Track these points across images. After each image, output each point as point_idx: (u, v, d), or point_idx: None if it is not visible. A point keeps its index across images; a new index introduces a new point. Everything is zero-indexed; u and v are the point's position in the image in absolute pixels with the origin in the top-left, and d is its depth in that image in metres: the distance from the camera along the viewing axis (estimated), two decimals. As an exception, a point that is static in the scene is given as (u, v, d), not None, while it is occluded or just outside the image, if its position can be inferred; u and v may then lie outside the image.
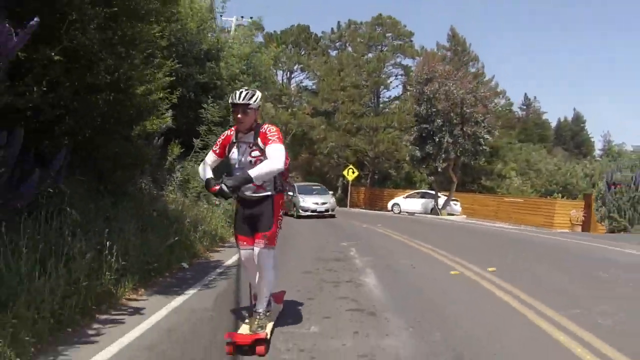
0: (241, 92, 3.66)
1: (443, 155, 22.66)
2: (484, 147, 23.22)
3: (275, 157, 3.48)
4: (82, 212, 4.97)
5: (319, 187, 22.45)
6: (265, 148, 3.57)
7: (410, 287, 5.78)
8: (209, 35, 13.63)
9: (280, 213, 3.90)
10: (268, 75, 20.10)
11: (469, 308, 4.76)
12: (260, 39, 38.08)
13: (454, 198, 25.70)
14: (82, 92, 4.59)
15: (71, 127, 4.74)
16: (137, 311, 4.53)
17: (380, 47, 39.74)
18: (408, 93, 29.54)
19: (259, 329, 3.57)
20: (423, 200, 26.21)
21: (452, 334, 3.88)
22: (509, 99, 55.64)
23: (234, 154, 3.75)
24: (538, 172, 41.84)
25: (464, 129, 22.47)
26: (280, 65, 42.91)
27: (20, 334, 3.26)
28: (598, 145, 60.03)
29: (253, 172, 3.44)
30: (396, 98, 40.37)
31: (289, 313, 4.45)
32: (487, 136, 22.79)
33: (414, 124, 24.70)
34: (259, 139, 3.64)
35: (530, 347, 3.63)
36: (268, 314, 3.82)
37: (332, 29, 44.91)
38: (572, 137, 61.34)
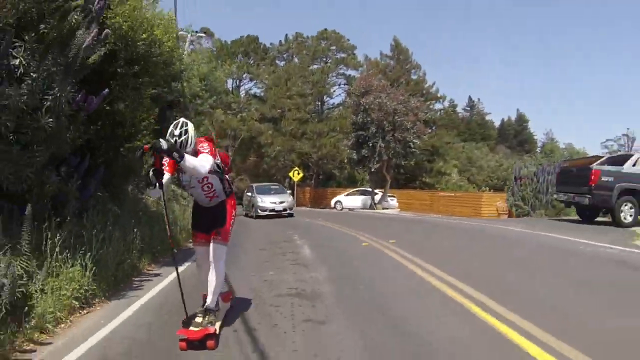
0: (175, 141, 3.66)
1: (377, 158, 25.70)
2: (413, 149, 26.40)
3: (204, 162, 3.74)
4: (109, 211, 7.07)
5: (277, 187, 22.65)
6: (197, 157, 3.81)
7: (332, 252, 8.49)
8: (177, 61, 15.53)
9: (233, 213, 4.29)
10: (223, 89, 22.00)
11: (367, 260, 7.54)
12: (209, 44, 39.84)
13: (390, 194, 28.67)
14: (115, 128, 6.72)
15: (105, 150, 6.85)
16: (157, 275, 6.75)
17: (325, 59, 42.42)
18: (349, 100, 32.32)
19: (209, 325, 3.81)
20: (362, 197, 28.99)
21: (352, 271, 6.57)
22: (452, 101, 59.47)
23: (183, 176, 4.02)
24: (480, 168, 45.41)
25: (395, 135, 25.62)
26: (230, 74, 44.56)
27: (101, 284, 5.41)
28: (541, 143, 63.10)
29: (187, 157, 3.55)
30: (339, 104, 43.20)
31: (255, 267, 7.01)
32: (416, 140, 26.00)
33: (352, 130, 27.53)
34: None
35: (397, 277, 6.30)
36: (217, 312, 4.10)
37: (280, 41, 47.24)
38: (515, 135, 64.35)
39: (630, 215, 12.61)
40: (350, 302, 4.90)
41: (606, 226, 12.56)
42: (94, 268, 5.18)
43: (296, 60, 43.96)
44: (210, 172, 3.90)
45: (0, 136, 4.69)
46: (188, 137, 3.72)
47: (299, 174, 31.16)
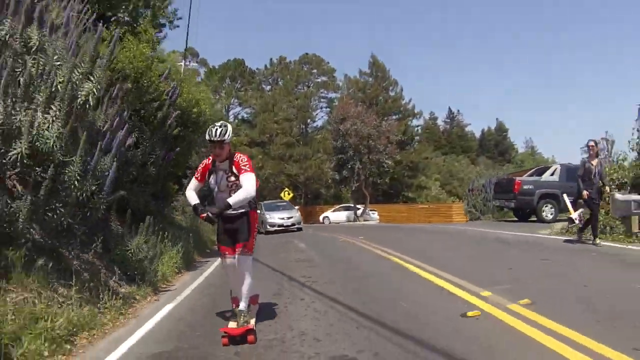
0: (216, 130, 4.10)
1: (356, 178, 29.75)
2: (386, 169, 30.56)
3: (248, 185, 4.16)
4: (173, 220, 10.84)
5: (284, 204, 24.18)
6: (239, 176, 4.20)
7: (319, 245, 12.36)
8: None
9: (256, 225, 4.61)
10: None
11: (340, 246, 11.48)
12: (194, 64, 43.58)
13: (372, 209, 32.66)
14: (173, 169, 10.55)
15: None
16: (207, 262, 10.47)
17: (307, 83, 46.56)
18: (329, 127, 36.32)
19: (245, 324, 4.15)
20: (347, 212, 32.94)
21: (331, 251, 10.40)
22: (433, 114, 62.79)
23: (213, 179, 4.35)
24: (461, 180, 48.89)
25: (370, 157, 29.75)
26: (219, 98, 48.33)
27: (181, 262, 9.15)
28: (521, 151, 66.52)
29: (232, 200, 4.12)
30: (321, 127, 47.31)
31: (271, 254, 10.62)
32: (388, 161, 30.20)
33: (333, 154, 31.70)
34: (233, 167, 4.24)
35: (356, 251, 10.12)
36: (249, 313, 4.39)
37: (265, 65, 51.35)
38: (495, 145, 66.69)
39: (551, 214, 16.42)
40: (329, 261, 8.78)
41: (535, 223, 15.88)
42: (181, 252, 8.95)
43: (281, 83, 47.99)
44: (237, 183, 4.25)
45: (130, 180, 8.47)
46: (227, 130, 4.18)
47: (289, 194, 34.87)
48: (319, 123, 48.68)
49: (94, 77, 6.11)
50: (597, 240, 8.83)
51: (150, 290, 6.88)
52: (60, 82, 5.64)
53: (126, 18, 9.31)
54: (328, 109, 46.06)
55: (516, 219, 18.49)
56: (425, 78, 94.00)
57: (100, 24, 6.93)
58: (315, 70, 46.41)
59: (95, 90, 6.07)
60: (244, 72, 52.43)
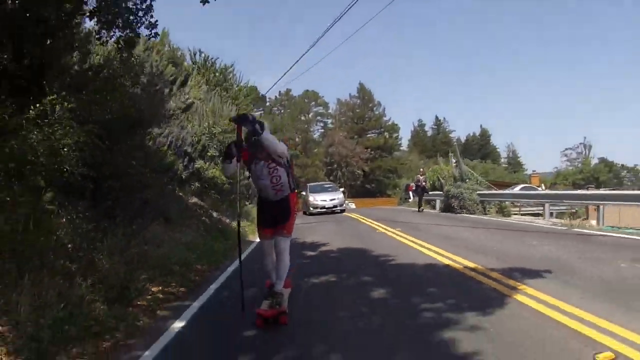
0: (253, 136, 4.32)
1: (338, 181, 46.45)
2: (357, 176, 47.38)
3: (281, 143, 4.42)
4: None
5: (330, 185, 24.93)
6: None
7: (324, 218, 28.35)
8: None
9: (296, 208, 4.96)
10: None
11: (350, 224, 25.41)
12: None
13: (350, 201, 49.40)
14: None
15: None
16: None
17: (307, 112, 62.96)
18: (321, 149, 52.99)
19: (277, 305, 4.43)
20: (332, 204, 49.79)
21: (342, 225, 25.63)
22: (421, 121, 73.40)
23: (253, 167, 4.63)
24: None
25: (347, 169, 46.53)
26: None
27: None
28: (503, 155, 72.74)
29: (265, 133, 4.20)
30: (318, 142, 63.42)
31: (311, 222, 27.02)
32: (359, 171, 47.01)
33: (324, 166, 48.62)
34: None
35: (345, 218, 25.72)
36: (282, 295, 4.63)
37: (275, 96, 67.27)
38: (478, 149, 70.74)
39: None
40: (333, 220, 24.43)
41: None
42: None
43: (287, 109, 64.19)
44: (279, 164, 4.55)
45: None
46: (266, 127, 4.32)
47: (292, 192, 51.54)
48: (316, 137, 65.05)
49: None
50: (422, 209, 22.11)
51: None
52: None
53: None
54: (322, 130, 62.66)
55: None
56: (415, 87, 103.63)
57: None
58: (313, 103, 62.70)
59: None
60: (257, 98, 68.37)
